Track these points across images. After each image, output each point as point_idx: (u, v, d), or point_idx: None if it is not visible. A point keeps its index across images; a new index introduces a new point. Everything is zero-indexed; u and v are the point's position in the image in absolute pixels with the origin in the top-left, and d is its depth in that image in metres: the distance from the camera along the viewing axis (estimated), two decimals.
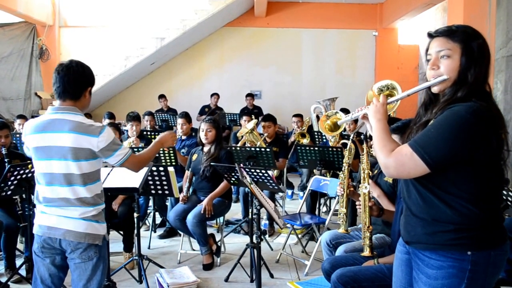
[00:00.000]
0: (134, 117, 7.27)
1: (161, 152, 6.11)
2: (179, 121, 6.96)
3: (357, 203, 3.68)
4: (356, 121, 8.24)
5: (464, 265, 2.11)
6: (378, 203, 3.79)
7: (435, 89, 2.25)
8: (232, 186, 5.78)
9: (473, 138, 2.04)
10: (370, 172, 3.74)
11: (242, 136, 7.30)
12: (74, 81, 2.96)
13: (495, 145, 2.08)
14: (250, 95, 12.60)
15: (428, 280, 2.19)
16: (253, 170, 4.86)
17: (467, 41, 2.16)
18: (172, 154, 6.13)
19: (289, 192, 8.69)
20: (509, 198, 3.95)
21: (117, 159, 3.01)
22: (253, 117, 9.06)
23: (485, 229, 2.13)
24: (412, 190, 2.27)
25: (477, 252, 2.11)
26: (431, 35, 2.27)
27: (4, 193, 4.53)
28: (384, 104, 2.33)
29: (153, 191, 4.81)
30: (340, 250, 3.95)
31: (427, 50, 2.29)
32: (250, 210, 4.96)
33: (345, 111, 7.06)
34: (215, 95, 12.57)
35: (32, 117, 10.80)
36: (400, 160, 2.12)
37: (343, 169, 4.08)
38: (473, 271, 2.11)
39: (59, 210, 2.94)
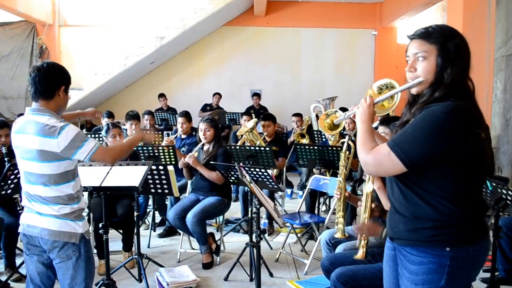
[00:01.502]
0: (133, 116, 7.26)
1: (160, 151, 6.11)
2: (179, 120, 6.96)
3: (358, 203, 3.67)
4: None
5: (443, 260, 2.16)
6: (377, 197, 3.77)
7: (413, 91, 2.28)
8: (231, 185, 5.79)
9: (449, 137, 2.07)
10: None
11: (242, 135, 7.31)
12: (44, 80, 2.96)
13: (472, 144, 2.10)
14: (257, 95, 12.63)
15: (410, 275, 2.25)
16: (252, 169, 4.87)
17: (443, 42, 2.18)
18: (171, 153, 6.14)
19: (289, 191, 8.69)
20: (509, 198, 3.95)
21: (83, 156, 2.95)
22: (253, 116, 9.07)
23: (463, 226, 2.18)
24: (395, 188, 2.32)
25: (456, 248, 2.16)
26: (409, 37, 2.30)
27: (4, 192, 4.54)
28: (370, 105, 2.36)
29: (152, 190, 4.81)
30: (339, 249, 3.96)
31: (406, 51, 2.32)
32: (249, 209, 4.96)
33: (345, 110, 7.02)
34: (217, 94, 12.62)
35: None
36: (378, 159, 2.18)
37: (339, 172, 4.08)
38: (452, 266, 2.16)
39: (37, 205, 2.97)
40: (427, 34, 2.22)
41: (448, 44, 2.18)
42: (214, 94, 12.63)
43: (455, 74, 2.17)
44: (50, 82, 2.98)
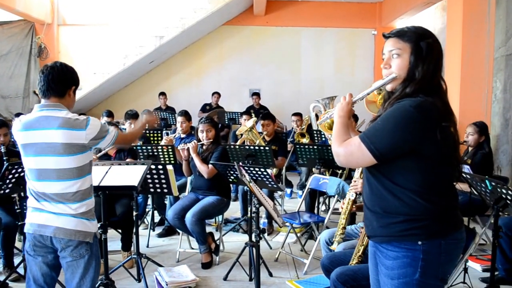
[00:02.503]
0: (133, 115, 7.28)
1: (160, 150, 6.11)
2: (179, 119, 6.95)
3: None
4: (356, 119, 8.30)
5: (416, 254, 2.22)
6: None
7: (388, 87, 2.36)
8: (231, 185, 5.78)
9: (416, 130, 2.16)
10: None
11: (241, 134, 7.30)
12: (58, 78, 3.01)
13: (439, 137, 2.16)
14: (256, 94, 12.62)
15: (387, 271, 2.31)
16: (252, 169, 4.86)
17: (417, 41, 2.26)
18: (171, 153, 6.13)
19: (288, 190, 8.69)
20: (509, 197, 3.94)
21: (106, 143, 3.14)
22: (252, 115, 9.07)
23: (434, 219, 2.23)
24: (366, 186, 2.41)
25: (427, 241, 2.22)
26: (385, 36, 2.39)
27: (2, 191, 4.53)
28: (349, 103, 2.44)
29: (152, 190, 4.80)
30: (339, 248, 3.95)
31: (383, 50, 2.41)
32: (249, 209, 4.96)
33: None
34: (216, 94, 12.61)
35: None
36: (349, 150, 2.26)
37: (350, 187, 4.00)
38: (425, 259, 2.22)
39: (51, 206, 2.95)
40: (402, 33, 2.31)
41: (421, 43, 2.26)
42: (213, 94, 12.62)
43: (425, 71, 2.24)
44: (63, 81, 3.04)
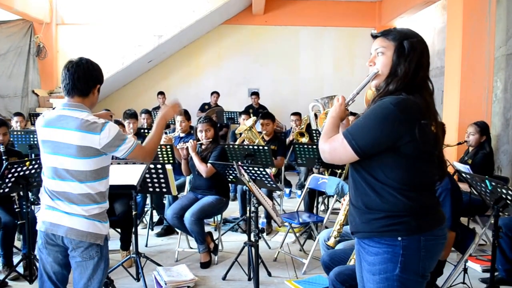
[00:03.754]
0: (131, 115, 7.26)
1: (158, 150, 6.09)
2: (178, 118, 6.94)
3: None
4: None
5: (396, 250, 2.26)
6: None
7: (372, 84, 2.43)
8: (229, 184, 5.78)
9: (395, 127, 2.20)
10: None
11: (241, 134, 7.29)
12: (84, 77, 2.98)
13: (418, 134, 2.20)
14: (256, 94, 12.58)
15: (368, 266, 2.36)
16: (251, 168, 4.86)
17: (400, 40, 2.34)
18: (169, 152, 6.12)
19: (287, 190, 8.68)
20: (509, 197, 3.93)
21: (123, 152, 3.02)
22: (251, 115, 9.06)
23: (413, 216, 2.27)
24: (350, 182, 2.46)
25: (407, 237, 2.26)
26: (372, 36, 2.50)
27: (2, 191, 4.53)
28: (342, 104, 2.50)
29: (150, 189, 4.80)
30: (339, 248, 3.94)
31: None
32: (248, 208, 4.95)
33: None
34: (215, 93, 12.57)
35: (30, 115, 10.81)
36: (333, 146, 2.33)
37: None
38: (405, 255, 2.26)
39: (64, 205, 2.94)
40: (387, 32, 2.41)
41: (404, 42, 2.32)
42: (212, 93, 12.59)
43: (407, 69, 2.29)
44: (89, 79, 3.02)
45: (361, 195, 2.35)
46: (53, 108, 3.14)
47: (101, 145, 2.91)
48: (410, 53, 2.31)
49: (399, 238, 2.25)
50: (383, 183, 2.27)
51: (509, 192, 3.91)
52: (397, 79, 2.30)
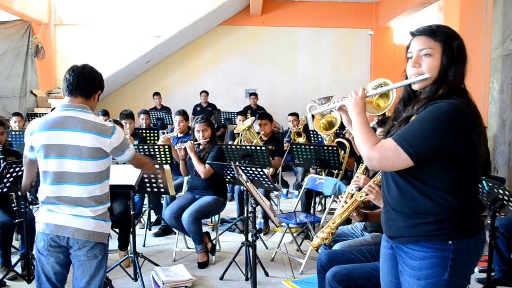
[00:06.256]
0: (128, 115, 7.27)
1: (156, 150, 6.11)
2: (177, 118, 6.96)
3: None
4: None
5: (446, 254, 2.19)
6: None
7: (415, 87, 2.32)
8: (227, 185, 5.79)
9: (455, 132, 2.13)
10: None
11: (239, 134, 7.31)
12: (88, 79, 3.05)
13: (475, 139, 2.16)
14: (254, 94, 12.59)
15: (412, 271, 2.26)
16: (248, 168, 4.87)
17: (448, 41, 2.23)
18: (167, 152, 6.13)
19: (284, 191, 8.70)
20: (505, 198, 3.95)
21: (125, 158, 3.16)
22: (248, 116, 9.07)
23: (464, 218, 2.22)
24: (391, 185, 2.35)
25: (458, 241, 2.19)
26: (413, 34, 2.33)
27: (0, 190, 4.53)
28: (363, 97, 2.39)
29: (148, 189, 4.81)
30: (336, 248, 3.95)
31: (407, 48, 2.36)
32: (245, 209, 4.95)
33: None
34: (204, 92, 12.54)
35: (28, 115, 10.82)
36: (384, 154, 2.18)
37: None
38: (454, 259, 2.19)
39: (68, 208, 2.95)
40: (432, 32, 2.26)
41: (452, 43, 2.23)
42: (201, 93, 12.56)
43: (457, 73, 2.23)
44: (93, 82, 3.09)
45: (407, 200, 2.26)
46: (52, 110, 3.16)
47: (110, 148, 2.98)
48: (459, 56, 2.24)
49: (450, 242, 2.18)
50: (435, 187, 2.20)
51: (506, 192, 3.93)
52: (448, 83, 2.21)
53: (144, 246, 5.96)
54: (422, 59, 2.27)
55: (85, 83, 3.01)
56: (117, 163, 4.47)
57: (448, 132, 2.12)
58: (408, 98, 2.40)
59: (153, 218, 6.81)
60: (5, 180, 4.48)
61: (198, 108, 12.43)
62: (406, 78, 2.36)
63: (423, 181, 2.21)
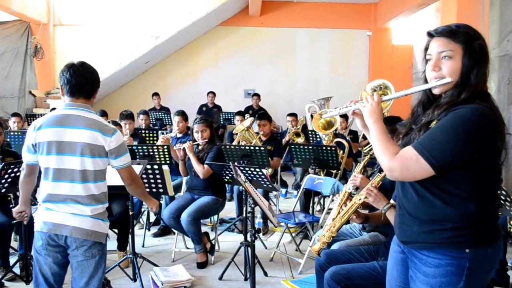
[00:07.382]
0: (127, 116, 7.27)
1: (155, 150, 6.11)
2: (176, 118, 6.96)
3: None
4: (347, 119, 8.32)
5: (462, 262, 2.11)
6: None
7: (436, 91, 2.21)
8: (226, 185, 5.80)
9: (480, 140, 2.04)
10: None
11: (237, 134, 7.32)
12: (91, 80, 3.06)
13: (500, 145, 2.09)
14: (256, 95, 12.62)
15: (426, 278, 2.19)
16: (247, 169, 4.88)
17: (469, 42, 2.12)
18: (166, 153, 6.14)
19: (283, 191, 8.70)
20: (502, 197, 3.97)
21: (119, 163, 3.12)
22: (246, 116, 9.09)
23: (483, 226, 2.15)
24: (408, 190, 2.25)
25: (475, 249, 2.12)
26: (431, 35, 2.23)
27: None
28: (379, 102, 2.26)
29: (147, 190, 4.81)
30: (334, 247, 3.95)
31: (426, 49, 2.25)
32: (244, 209, 4.97)
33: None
34: (211, 93, 12.61)
35: (27, 115, 10.82)
36: (405, 164, 2.10)
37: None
38: (471, 268, 2.12)
39: (67, 207, 2.96)
40: (452, 33, 2.16)
41: (473, 44, 2.13)
42: (208, 93, 12.62)
43: (480, 76, 2.13)
44: (94, 82, 3.11)
45: (426, 207, 2.17)
46: (52, 110, 3.16)
47: (109, 147, 3.00)
48: (481, 57, 2.13)
49: (467, 250, 2.10)
50: (455, 195, 2.11)
51: (503, 192, 3.95)
52: (471, 87, 2.11)
53: (143, 246, 5.96)
54: (442, 62, 2.16)
55: (88, 86, 3.04)
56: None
57: (471, 142, 2.03)
58: (428, 102, 2.31)
59: (152, 218, 6.82)
60: (3, 181, 4.48)
61: (204, 108, 12.49)
62: (426, 80, 2.26)
63: (443, 189, 2.13)
